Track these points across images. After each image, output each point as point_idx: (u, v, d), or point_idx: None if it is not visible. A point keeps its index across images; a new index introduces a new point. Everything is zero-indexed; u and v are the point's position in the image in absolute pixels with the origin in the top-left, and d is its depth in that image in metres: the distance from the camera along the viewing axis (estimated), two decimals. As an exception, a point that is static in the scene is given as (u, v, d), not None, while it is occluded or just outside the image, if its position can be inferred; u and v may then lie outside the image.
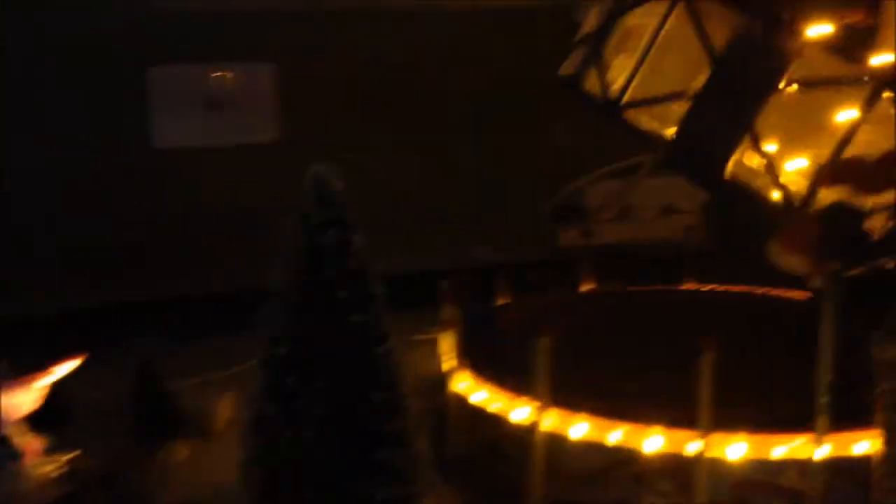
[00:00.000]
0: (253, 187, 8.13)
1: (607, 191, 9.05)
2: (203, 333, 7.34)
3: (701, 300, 6.54)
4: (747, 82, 5.00)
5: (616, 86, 5.55)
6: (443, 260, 8.18)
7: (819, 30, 5.22)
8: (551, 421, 4.96)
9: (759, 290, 6.56)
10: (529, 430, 4.98)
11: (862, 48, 5.14)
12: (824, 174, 4.66)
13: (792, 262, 4.58)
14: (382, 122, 8.48)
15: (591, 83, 5.76)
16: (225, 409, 6.21)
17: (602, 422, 4.88)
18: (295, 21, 8.28)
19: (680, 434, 4.75)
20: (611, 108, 5.55)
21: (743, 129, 4.99)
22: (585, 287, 6.92)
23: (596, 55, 5.58)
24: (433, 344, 6.20)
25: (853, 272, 4.39)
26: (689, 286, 6.88)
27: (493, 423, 5.31)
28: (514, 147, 8.71)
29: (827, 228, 4.40)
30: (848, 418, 4.60)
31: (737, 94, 5.00)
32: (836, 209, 4.45)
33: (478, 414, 5.40)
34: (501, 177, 8.75)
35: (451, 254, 8.31)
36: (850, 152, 4.75)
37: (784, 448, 4.70)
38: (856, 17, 5.48)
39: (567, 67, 5.95)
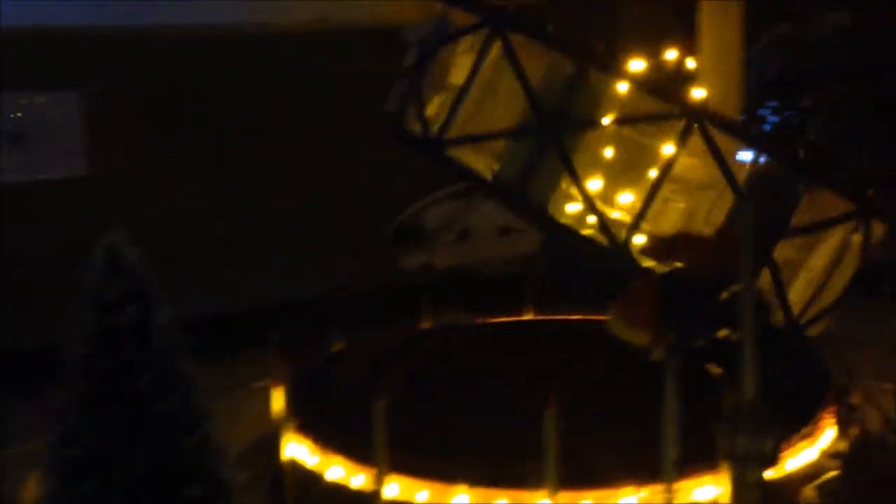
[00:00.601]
0: (58, 227, 7.39)
1: (446, 213, 8.85)
2: (3, 395, 6.59)
3: (545, 335, 6.31)
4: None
5: (437, 125, 5.31)
6: (276, 297, 7.73)
7: (634, 65, 5.28)
8: (393, 487, 4.61)
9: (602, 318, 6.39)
10: (370, 498, 4.61)
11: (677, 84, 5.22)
12: (661, 246, 4.56)
13: (632, 335, 4.44)
14: (196, 153, 7.91)
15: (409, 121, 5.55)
16: (35, 489, 5.57)
17: (444, 486, 4.58)
18: (103, 46, 7.59)
19: (527, 494, 4.50)
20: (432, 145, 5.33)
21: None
22: (425, 321, 6.59)
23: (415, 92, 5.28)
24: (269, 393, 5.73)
25: (692, 344, 4.30)
26: (530, 316, 6.67)
27: (330, 491, 4.92)
28: (340, 173, 8.31)
29: (665, 302, 4.28)
30: (694, 464, 4.49)
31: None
32: (674, 283, 4.33)
33: (314, 481, 4.99)
34: (331, 205, 8.34)
35: (283, 290, 7.85)
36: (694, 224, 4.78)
37: (633, 499, 4.54)
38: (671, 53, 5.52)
39: (390, 104, 5.64)
